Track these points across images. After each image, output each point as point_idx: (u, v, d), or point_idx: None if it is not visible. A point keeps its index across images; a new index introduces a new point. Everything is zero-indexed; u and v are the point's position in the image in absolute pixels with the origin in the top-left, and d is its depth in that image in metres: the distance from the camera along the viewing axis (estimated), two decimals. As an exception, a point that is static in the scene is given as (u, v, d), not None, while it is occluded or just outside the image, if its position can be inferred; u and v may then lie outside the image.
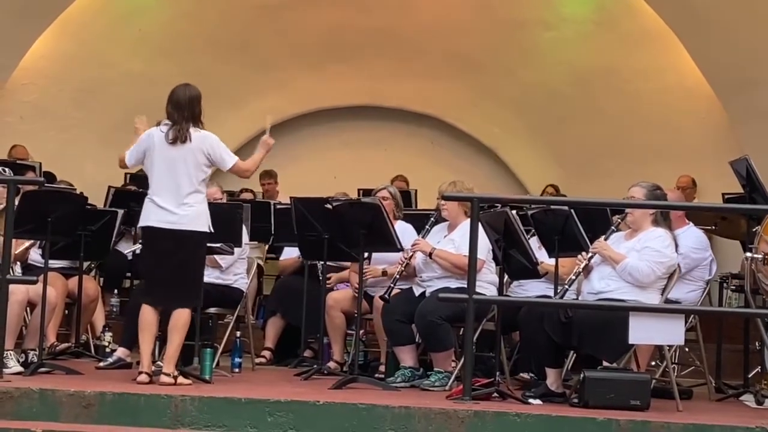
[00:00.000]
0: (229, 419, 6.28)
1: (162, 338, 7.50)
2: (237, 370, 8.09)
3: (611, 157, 13.12)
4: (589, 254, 7.11)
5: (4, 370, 6.78)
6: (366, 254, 7.98)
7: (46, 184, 7.90)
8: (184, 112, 7.01)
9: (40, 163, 10.84)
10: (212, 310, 8.14)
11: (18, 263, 8.17)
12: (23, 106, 12.89)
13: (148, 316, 7.06)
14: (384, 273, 8.15)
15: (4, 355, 6.92)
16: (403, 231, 8.05)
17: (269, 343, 9.16)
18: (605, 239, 7.15)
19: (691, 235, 7.98)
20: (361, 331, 8.05)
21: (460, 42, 13.40)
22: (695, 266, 7.90)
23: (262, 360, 8.93)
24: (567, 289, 7.10)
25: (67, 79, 12.99)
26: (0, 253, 6.84)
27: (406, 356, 7.78)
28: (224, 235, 7.82)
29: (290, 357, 8.96)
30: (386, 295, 7.82)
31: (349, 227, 7.66)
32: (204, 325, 7.94)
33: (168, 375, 6.89)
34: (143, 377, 6.92)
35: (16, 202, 7.05)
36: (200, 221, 7.03)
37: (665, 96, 12.89)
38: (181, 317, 7.03)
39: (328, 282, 8.51)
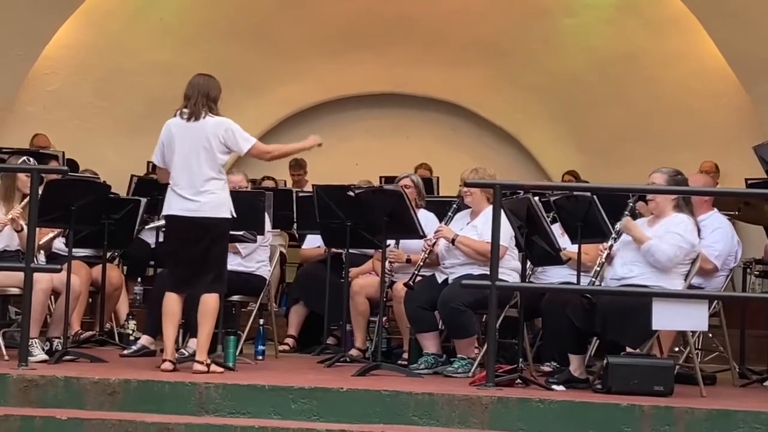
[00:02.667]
0: (253, 406, 6.30)
1: (184, 325, 7.54)
2: (260, 357, 8.11)
3: (633, 143, 13.07)
4: (610, 242, 7.07)
5: (29, 358, 6.82)
6: (391, 242, 7.97)
7: (69, 173, 7.91)
8: (200, 90, 7.05)
9: (63, 152, 10.88)
10: (235, 297, 8.16)
11: (42, 252, 8.22)
12: (46, 96, 12.93)
13: (171, 303, 7.08)
14: (408, 260, 8.15)
15: (29, 344, 6.98)
16: (426, 220, 8.05)
17: (292, 330, 9.17)
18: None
19: (720, 237, 7.86)
20: (384, 318, 8.05)
21: (482, 29, 13.36)
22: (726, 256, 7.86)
23: (286, 347, 8.95)
24: (593, 281, 7.07)
25: (89, 69, 13.02)
26: (24, 242, 6.89)
27: (429, 343, 7.79)
28: (247, 223, 7.83)
29: (313, 344, 8.97)
30: (410, 282, 7.83)
31: (372, 215, 7.66)
32: (227, 313, 7.96)
33: (201, 363, 6.92)
34: (167, 365, 6.94)
35: (40, 191, 7.09)
36: (222, 208, 7.05)
37: (687, 81, 12.82)
38: (209, 303, 7.04)
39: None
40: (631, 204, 7.22)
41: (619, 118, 13.29)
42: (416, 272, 7.86)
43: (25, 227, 7.37)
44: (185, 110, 7.05)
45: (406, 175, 8.68)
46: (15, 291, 7.54)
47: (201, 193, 7.00)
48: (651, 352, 7.04)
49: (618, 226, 7.10)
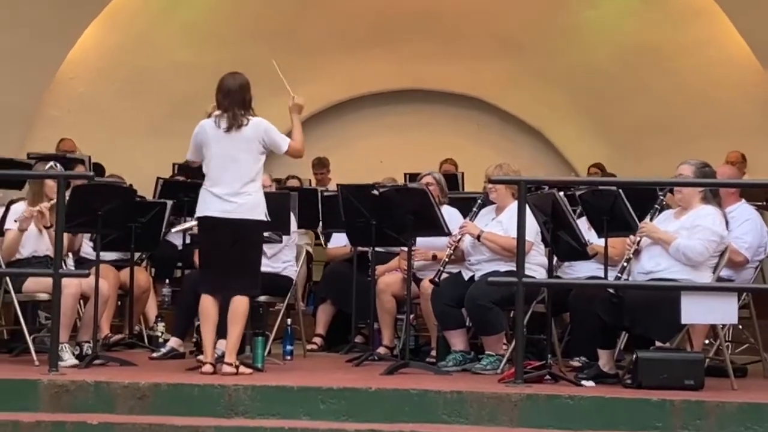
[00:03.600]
0: (282, 407, 6.31)
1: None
2: (289, 357, 8.13)
3: (659, 134, 13.02)
4: (637, 237, 7.05)
5: (59, 363, 6.86)
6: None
7: (95, 178, 7.95)
8: (235, 98, 7.04)
9: (90, 156, 10.93)
10: (262, 298, 8.15)
11: (70, 255, 8.26)
12: (71, 99, 13.01)
13: (208, 306, 7.08)
14: (434, 257, 8.15)
15: (60, 348, 7.01)
16: (449, 216, 8.03)
17: (320, 329, 9.19)
18: (650, 219, 7.10)
19: (750, 228, 7.80)
20: (411, 316, 8.05)
21: (503, 22, 13.34)
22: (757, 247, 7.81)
23: (314, 346, 8.97)
24: (620, 277, 7.04)
25: (114, 72, 13.08)
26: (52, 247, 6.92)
27: (457, 340, 7.78)
28: (273, 224, 7.83)
29: (341, 343, 8.98)
30: (436, 279, 7.83)
31: (397, 213, 7.66)
32: (255, 314, 7.97)
33: (230, 365, 6.93)
34: (208, 368, 6.94)
35: (67, 196, 7.12)
36: (258, 210, 7.07)
37: (711, 71, 12.76)
38: (240, 306, 7.05)
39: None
40: (661, 197, 7.18)
41: (644, 109, 13.25)
42: (442, 269, 7.86)
43: (52, 223, 7.43)
44: (223, 121, 7.04)
45: (428, 172, 8.69)
46: (44, 296, 7.58)
47: (238, 195, 7.01)
48: (681, 346, 7.01)
49: (638, 235, 7.05)
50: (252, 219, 7.03)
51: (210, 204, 7.05)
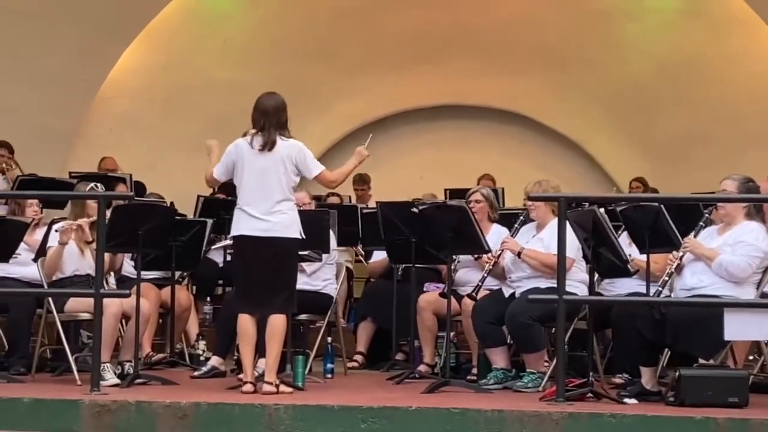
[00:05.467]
0: (322, 427, 6.30)
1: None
2: (329, 375, 8.12)
3: (701, 147, 12.93)
4: (680, 253, 7.00)
5: (101, 382, 6.88)
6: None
7: (135, 198, 7.99)
8: (270, 119, 7.06)
9: (131, 175, 11.00)
10: (303, 316, 8.17)
11: (112, 274, 8.31)
12: (112, 118, 13.11)
13: (246, 325, 7.08)
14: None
15: (101, 368, 7.04)
16: (499, 235, 8.00)
17: (361, 347, 9.18)
18: (694, 236, 7.04)
19: None
20: (452, 333, 8.02)
21: (542, 37, 13.31)
22: None
23: (355, 364, 8.95)
24: (660, 291, 6.98)
25: (154, 90, 13.18)
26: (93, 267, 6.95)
27: (498, 357, 7.74)
28: (312, 242, 7.84)
29: (382, 360, 8.96)
30: (474, 294, 7.80)
31: (436, 230, 7.64)
32: (295, 332, 7.98)
33: (270, 384, 6.93)
34: (248, 387, 6.94)
35: (108, 215, 7.17)
36: (292, 228, 7.07)
37: (754, 83, 12.68)
38: (277, 325, 7.05)
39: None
40: (706, 214, 7.12)
41: (686, 122, 13.17)
42: (480, 284, 7.84)
43: (92, 239, 7.48)
44: (258, 140, 7.06)
45: (476, 188, 8.63)
46: (86, 316, 7.63)
47: (272, 213, 7.02)
48: (724, 363, 6.93)
49: (681, 250, 6.99)
50: (287, 237, 7.04)
51: (244, 223, 7.07)
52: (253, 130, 7.12)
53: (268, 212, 7.01)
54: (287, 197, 7.07)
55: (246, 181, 7.09)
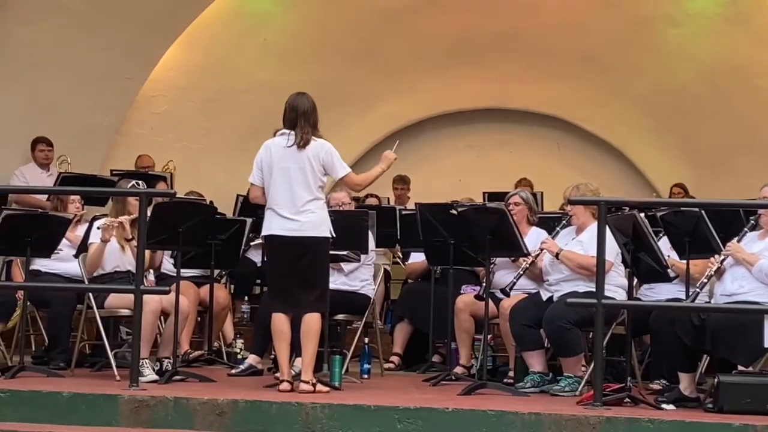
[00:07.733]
0: (358, 426, 6.31)
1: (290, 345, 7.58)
2: (366, 376, 8.13)
3: (744, 154, 12.84)
4: (722, 256, 6.96)
5: (140, 378, 6.93)
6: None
7: (176, 196, 8.04)
8: (308, 118, 7.10)
9: (171, 174, 11.05)
10: (340, 316, 8.19)
11: (151, 271, 8.36)
12: (154, 118, 13.18)
13: (280, 324, 7.11)
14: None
15: (140, 364, 7.09)
16: (538, 238, 8.00)
17: (398, 348, 9.18)
18: (738, 241, 7.00)
19: None
20: (489, 336, 8.01)
21: (585, 42, 13.27)
22: None
23: (391, 365, 8.96)
24: (698, 293, 6.95)
25: (195, 90, 13.24)
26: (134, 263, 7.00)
27: (535, 361, 7.72)
28: (351, 243, 7.87)
29: (419, 362, 8.97)
30: (507, 289, 7.81)
31: (475, 233, 7.64)
32: (332, 332, 8.00)
33: (307, 382, 6.95)
34: (285, 385, 6.97)
35: (149, 213, 7.22)
36: (322, 227, 7.09)
37: (798, 90, 12.58)
38: (312, 324, 7.07)
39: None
40: (746, 229, 7.07)
41: (728, 130, 13.08)
42: (515, 280, 7.85)
43: (132, 236, 7.55)
44: (292, 137, 7.10)
45: (516, 192, 8.63)
46: (126, 312, 7.68)
47: (301, 213, 7.05)
48: (764, 370, 6.88)
49: (723, 254, 6.95)
50: (316, 236, 7.06)
51: (275, 223, 7.09)
52: (284, 129, 7.15)
53: (297, 212, 7.04)
54: (316, 196, 7.09)
55: (275, 182, 7.12)
